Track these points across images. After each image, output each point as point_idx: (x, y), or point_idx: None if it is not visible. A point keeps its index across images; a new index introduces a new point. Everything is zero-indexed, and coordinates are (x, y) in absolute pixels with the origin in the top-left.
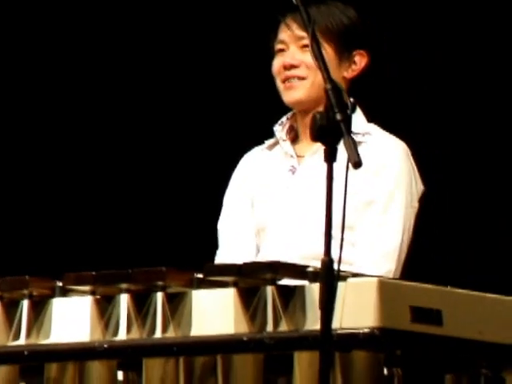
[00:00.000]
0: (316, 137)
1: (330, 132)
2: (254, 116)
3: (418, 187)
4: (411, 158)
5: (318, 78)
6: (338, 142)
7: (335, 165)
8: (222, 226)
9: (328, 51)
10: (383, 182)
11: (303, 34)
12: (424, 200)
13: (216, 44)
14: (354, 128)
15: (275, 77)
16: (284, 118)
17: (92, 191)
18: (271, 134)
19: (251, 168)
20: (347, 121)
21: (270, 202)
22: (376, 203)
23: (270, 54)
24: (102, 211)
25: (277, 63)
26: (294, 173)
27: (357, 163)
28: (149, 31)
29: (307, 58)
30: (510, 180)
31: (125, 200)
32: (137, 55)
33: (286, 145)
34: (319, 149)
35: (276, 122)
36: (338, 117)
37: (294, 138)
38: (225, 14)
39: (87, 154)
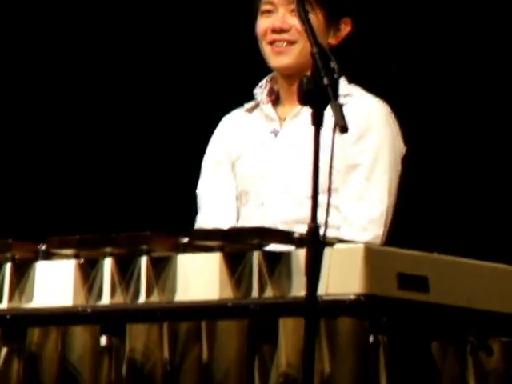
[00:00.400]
0: (303, 101)
1: (317, 96)
2: (232, 79)
3: (401, 148)
4: (394, 118)
5: (308, 43)
6: (325, 107)
7: None
8: (201, 189)
9: (319, 17)
10: (367, 145)
11: None
12: (414, 164)
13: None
14: None
15: (260, 38)
16: (264, 81)
17: (77, 155)
18: (249, 97)
19: (231, 130)
20: (334, 85)
21: (252, 165)
22: (361, 167)
23: (250, 12)
24: (87, 175)
25: (263, 24)
26: (276, 135)
27: (343, 128)
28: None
29: (298, 22)
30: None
31: (109, 164)
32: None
33: (267, 107)
34: (301, 111)
35: (254, 83)
36: (325, 81)
37: (275, 100)
38: None
39: (71, 118)
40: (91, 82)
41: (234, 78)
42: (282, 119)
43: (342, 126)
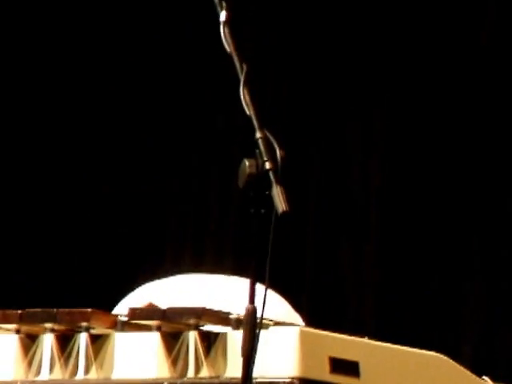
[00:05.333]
0: (244, 185)
1: (259, 180)
2: None
3: None
4: None
5: None
6: (266, 191)
7: None
8: None
9: None
10: None
11: None
12: None
13: None
14: None
15: None
16: None
17: (16, 232)
18: None
19: None
20: (276, 169)
21: None
22: None
23: None
24: (28, 251)
25: None
26: None
27: (285, 212)
28: None
29: None
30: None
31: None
32: None
33: None
34: None
35: None
36: (267, 166)
37: None
38: None
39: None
40: None
41: None
42: None
43: (283, 211)
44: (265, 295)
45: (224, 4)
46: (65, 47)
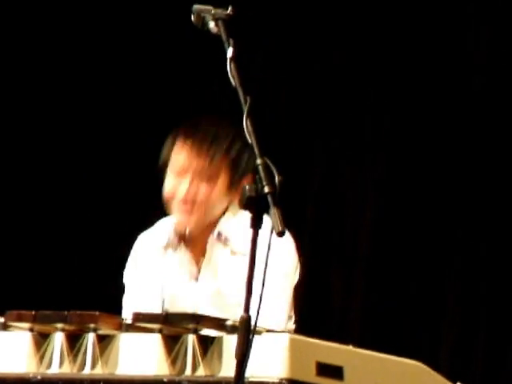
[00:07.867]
0: (245, 206)
1: (258, 202)
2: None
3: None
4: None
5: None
6: (264, 212)
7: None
8: (126, 304)
9: (224, 180)
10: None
11: (203, 162)
12: None
13: None
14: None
15: (167, 200)
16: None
17: (33, 239)
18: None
19: (149, 258)
20: (274, 193)
21: (177, 303)
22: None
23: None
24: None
25: (172, 187)
26: (197, 279)
27: (281, 233)
28: None
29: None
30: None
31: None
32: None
33: (181, 253)
34: (212, 258)
35: None
36: (266, 189)
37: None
38: None
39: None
40: None
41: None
42: (197, 262)
43: (279, 231)
44: (259, 305)
45: (232, 41)
46: (65, 47)
